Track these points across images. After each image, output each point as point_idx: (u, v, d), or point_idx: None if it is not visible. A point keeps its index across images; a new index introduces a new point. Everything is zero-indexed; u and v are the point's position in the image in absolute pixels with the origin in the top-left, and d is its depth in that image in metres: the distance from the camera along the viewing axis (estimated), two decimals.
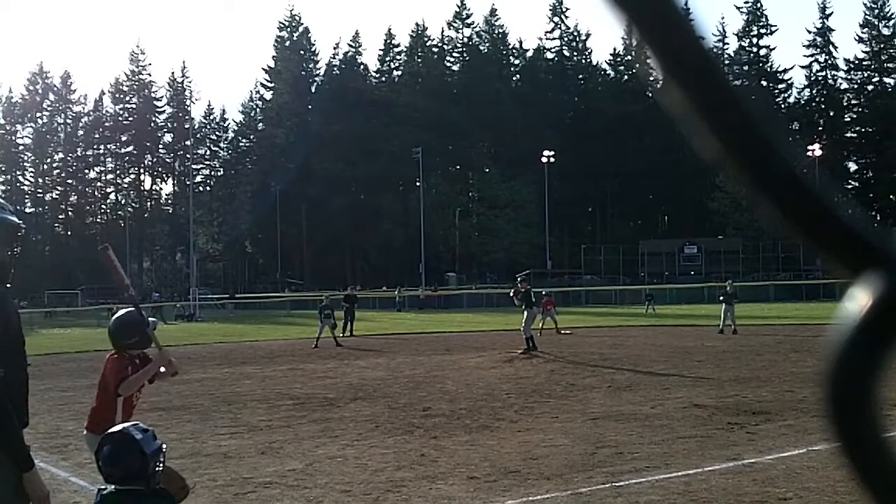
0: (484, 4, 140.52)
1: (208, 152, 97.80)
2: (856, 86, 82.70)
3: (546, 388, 13.61)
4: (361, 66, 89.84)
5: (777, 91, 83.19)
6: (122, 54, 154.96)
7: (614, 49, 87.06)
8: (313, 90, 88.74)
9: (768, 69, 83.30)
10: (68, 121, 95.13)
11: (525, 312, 20.87)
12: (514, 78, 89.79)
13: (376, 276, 79.64)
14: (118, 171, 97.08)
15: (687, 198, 77.90)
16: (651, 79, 0.44)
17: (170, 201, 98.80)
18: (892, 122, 73.63)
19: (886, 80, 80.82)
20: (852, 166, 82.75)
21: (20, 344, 3.62)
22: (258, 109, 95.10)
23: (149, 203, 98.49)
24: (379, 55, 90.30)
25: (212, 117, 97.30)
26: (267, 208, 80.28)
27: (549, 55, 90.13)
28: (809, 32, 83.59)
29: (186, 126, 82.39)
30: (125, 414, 4.81)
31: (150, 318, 5.14)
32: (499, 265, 72.97)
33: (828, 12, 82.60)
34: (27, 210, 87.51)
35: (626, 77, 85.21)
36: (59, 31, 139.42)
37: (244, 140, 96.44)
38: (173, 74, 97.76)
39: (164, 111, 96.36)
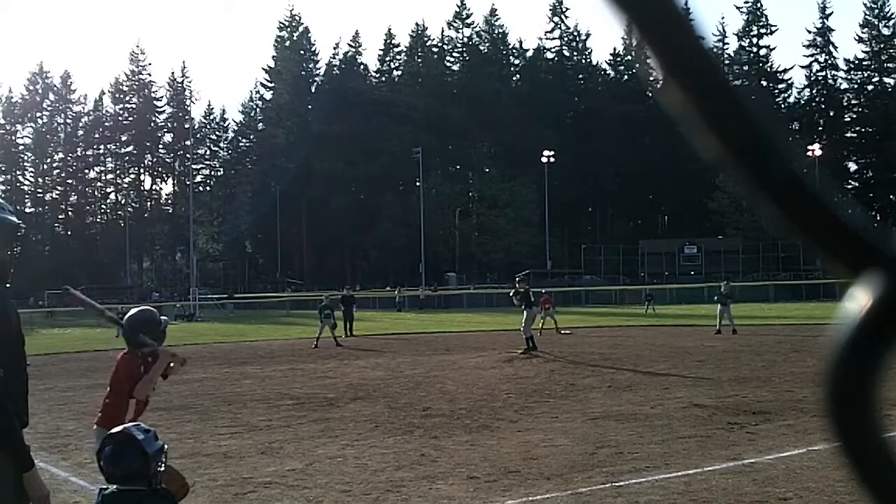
0: (484, 4, 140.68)
1: (208, 152, 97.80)
2: (856, 86, 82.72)
3: (546, 388, 13.61)
4: (361, 66, 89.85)
5: (777, 91, 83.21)
6: (122, 54, 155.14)
7: (614, 49, 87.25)
8: (313, 90, 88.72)
9: (768, 69, 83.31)
10: (68, 121, 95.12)
11: (525, 313, 20.90)
12: (514, 78, 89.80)
13: (376, 276, 79.67)
14: (118, 171, 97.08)
15: (687, 198, 77.95)
16: (651, 79, 0.44)
17: (170, 201, 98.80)
18: (892, 122, 73.67)
19: (886, 80, 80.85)
20: (852, 166, 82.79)
21: (20, 344, 3.62)
22: (258, 109, 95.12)
23: (149, 203, 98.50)
24: (379, 55, 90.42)
25: (212, 117, 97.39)
26: (267, 208, 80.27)
27: (549, 55, 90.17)
28: (809, 32, 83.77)
29: (186, 126, 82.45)
30: (136, 413, 4.84)
31: (162, 317, 5.27)
32: (499, 265, 72.98)
33: (828, 12, 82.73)
34: (27, 210, 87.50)
35: (626, 77, 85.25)
36: (59, 31, 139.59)
37: (244, 140, 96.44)
38: (173, 74, 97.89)
39: (164, 111, 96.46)
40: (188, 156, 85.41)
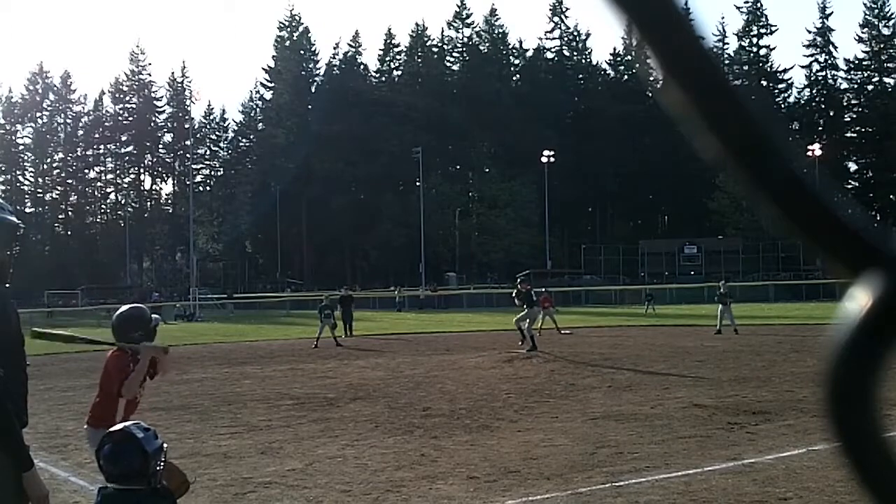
0: (484, 4, 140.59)
1: (208, 152, 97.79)
2: (856, 86, 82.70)
3: (546, 388, 13.61)
4: (361, 66, 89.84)
5: (777, 91, 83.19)
6: (122, 54, 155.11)
7: (614, 49, 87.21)
8: (313, 90, 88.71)
9: (768, 69, 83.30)
10: (68, 121, 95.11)
11: (525, 311, 20.95)
12: (514, 78, 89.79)
13: (376, 276, 79.67)
14: (118, 171, 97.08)
15: (687, 198, 77.95)
16: (651, 79, 0.44)
17: (170, 201, 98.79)
18: (892, 122, 73.67)
19: (886, 80, 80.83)
20: (852, 166, 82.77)
21: (20, 344, 3.62)
22: (258, 109, 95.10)
23: (149, 203, 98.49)
24: (379, 55, 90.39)
25: (212, 117, 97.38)
26: (267, 208, 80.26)
27: (549, 55, 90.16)
28: (809, 32, 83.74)
29: (186, 126, 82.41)
30: (127, 412, 4.83)
31: (153, 315, 5.26)
32: (499, 265, 73.00)
33: (828, 12, 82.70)
34: (27, 210, 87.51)
35: (626, 77, 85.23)
36: (59, 31, 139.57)
37: (244, 140, 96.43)
38: (173, 74, 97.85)
39: (164, 111, 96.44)
40: (188, 156, 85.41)
